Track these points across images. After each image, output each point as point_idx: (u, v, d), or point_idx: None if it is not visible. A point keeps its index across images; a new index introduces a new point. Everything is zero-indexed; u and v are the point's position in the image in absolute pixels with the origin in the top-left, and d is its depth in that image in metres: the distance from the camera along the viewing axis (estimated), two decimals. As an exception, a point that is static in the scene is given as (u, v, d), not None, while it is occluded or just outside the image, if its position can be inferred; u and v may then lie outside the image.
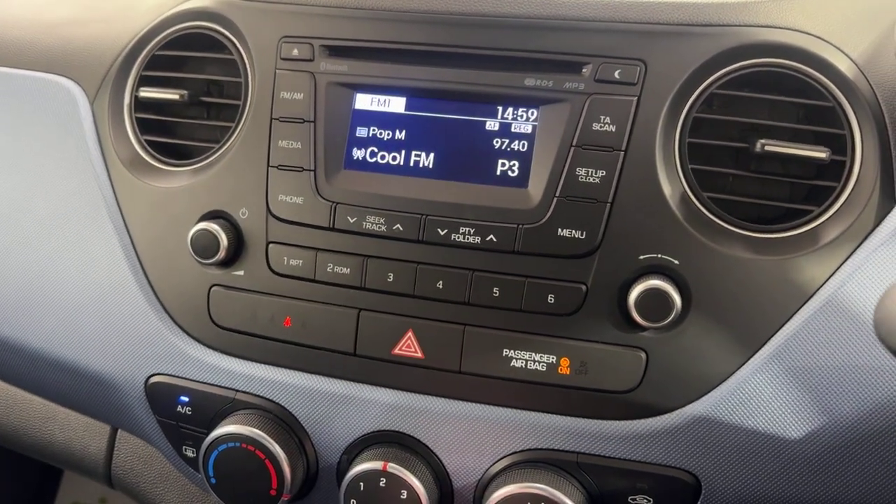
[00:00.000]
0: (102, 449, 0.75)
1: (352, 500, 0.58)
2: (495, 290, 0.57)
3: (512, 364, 0.57)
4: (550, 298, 0.56)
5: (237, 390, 0.62)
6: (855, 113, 0.54)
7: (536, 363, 0.56)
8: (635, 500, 0.56)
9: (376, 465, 0.57)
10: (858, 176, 0.54)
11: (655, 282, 0.53)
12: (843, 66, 0.54)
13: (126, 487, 0.76)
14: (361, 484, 0.57)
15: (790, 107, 0.56)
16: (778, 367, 0.54)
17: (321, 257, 0.60)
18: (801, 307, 0.54)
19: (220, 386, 0.62)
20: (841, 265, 0.53)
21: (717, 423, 0.54)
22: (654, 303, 0.53)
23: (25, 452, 0.78)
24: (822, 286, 0.53)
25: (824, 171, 0.55)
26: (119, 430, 0.75)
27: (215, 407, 0.62)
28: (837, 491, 0.54)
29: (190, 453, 0.65)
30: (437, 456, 0.59)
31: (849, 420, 0.53)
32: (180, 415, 0.64)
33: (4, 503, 1.51)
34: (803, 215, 0.55)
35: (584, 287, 0.55)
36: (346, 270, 0.59)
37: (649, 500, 0.55)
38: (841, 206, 0.54)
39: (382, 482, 0.57)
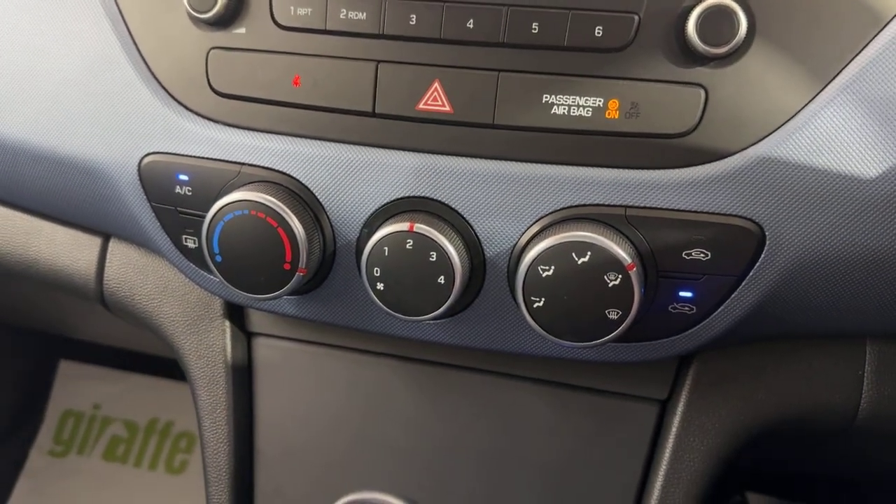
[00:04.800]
0: (93, 262, 0.71)
1: (375, 269, 0.53)
2: (534, 25, 0.51)
3: (553, 111, 0.51)
4: (598, 31, 0.50)
5: (243, 164, 0.57)
6: None
7: (581, 108, 0.51)
8: (690, 254, 0.51)
9: (402, 226, 0.52)
10: None
11: None
12: None
13: (119, 304, 0.71)
14: (386, 248, 0.52)
15: None
16: (852, 99, 0.49)
17: (332, 3, 0.54)
18: (877, 33, 0.49)
19: (222, 160, 0.57)
20: None
21: (783, 164, 0.49)
22: (718, 21, 0.48)
23: (9, 272, 0.73)
24: None
25: None
26: (111, 241, 0.71)
27: (218, 182, 0.57)
28: None
29: (191, 243, 0.60)
30: (467, 221, 0.54)
31: None
32: (179, 197, 0.58)
33: None
34: None
35: (636, 17, 0.50)
36: (361, 16, 0.53)
37: (706, 254, 0.51)
38: None
39: (409, 244, 0.52)
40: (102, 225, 0.69)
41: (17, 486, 1.52)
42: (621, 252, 0.49)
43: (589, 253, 0.49)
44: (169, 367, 1.58)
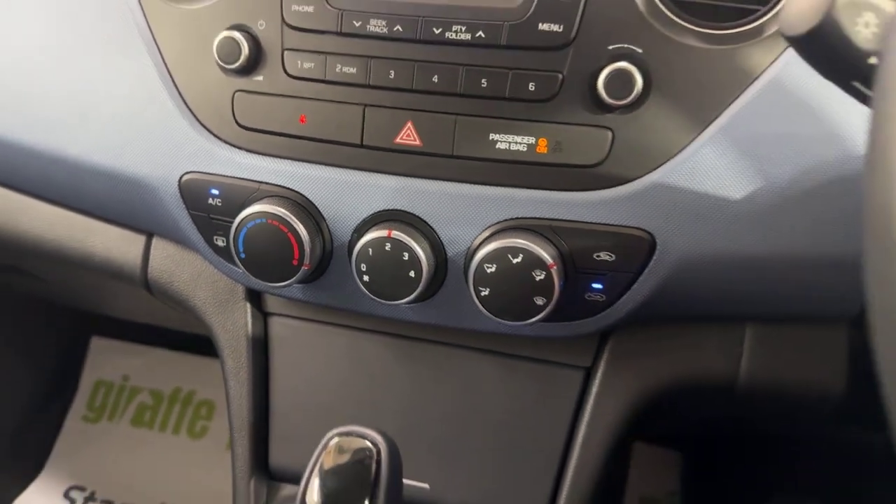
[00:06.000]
0: (139, 255, 0.85)
1: (362, 265, 0.68)
2: (483, 81, 0.65)
3: (497, 146, 0.65)
4: (531, 86, 0.64)
5: (261, 182, 0.71)
6: None
7: (518, 144, 0.65)
8: (599, 256, 0.65)
9: (382, 232, 0.67)
10: None
11: (621, 64, 0.62)
12: None
13: (161, 289, 0.86)
14: (370, 249, 0.67)
15: None
16: (724, 139, 0.62)
17: (330, 60, 0.68)
18: (747, 88, 0.62)
19: (245, 179, 0.72)
20: (783, 52, 0.62)
21: (671, 188, 0.63)
22: (619, 81, 0.61)
23: (71, 262, 0.88)
24: (765, 70, 0.62)
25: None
26: (154, 238, 0.85)
27: (242, 196, 0.71)
28: (774, 243, 0.64)
29: (220, 243, 0.74)
30: (433, 229, 0.68)
31: (784, 181, 0.62)
32: (211, 206, 0.73)
33: (26, 389, 1.63)
34: (752, 13, 0.63)
35: (560, 75, 0.64)
36: (352, 70, 0.67)
37: (612, 256, 0.65)
38: (783, 4, 0.62)
39: (388, 247, 0.67)
40: (148, 226, 0.83)
41: (55, 448, 1.65)
42: (545, 254, 0.63)
43: (521, 255, 0.63)
44: (192, 342, 1.70)
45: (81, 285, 1.27)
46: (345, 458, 0.55)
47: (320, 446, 0.55)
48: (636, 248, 0.65)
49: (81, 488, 1.59)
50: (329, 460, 0.55)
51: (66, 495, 1.59)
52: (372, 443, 0.55)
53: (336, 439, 0.56)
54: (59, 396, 1.69)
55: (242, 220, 0.69)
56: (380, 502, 0.53)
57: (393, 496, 0.54)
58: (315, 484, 0.55)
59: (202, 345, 0.88)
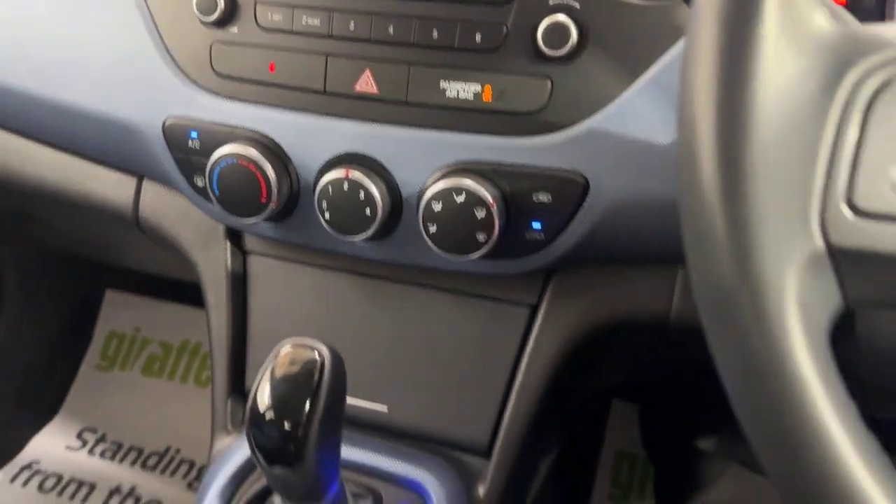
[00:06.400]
0: (131, 196, 0.91)
1: (323, 202, 0.74)
2: (434, 32, 0.70)
3: (447, 94, 0.71)
4: (478, 37, 0.69)
5: (234, 126, 0.77)
6: None
7: (465, 92, 0.70)
8: (538, 197, 0.70)
9: (341, 173, 0.73)
10: None
11: (558, 17, 0.67)
12: None
13: (151, 228, 0.92)
14: (330, 188, 0.73)
15: None
16: (654, 89, 0.67)
17: (297, 12, 0.74)
18: (677, 42, 0.66)
19: (221, 123, 0.78)
20: None
21: (604, 134, 0.68)
22: (556, 34, 0.66)
23: (71, 204, 0.95)
24: None
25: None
26: (144, 181, 0.91)
27: (217, 139, 0.77)
28: None
29: (199, 183, 0.81)
30: (389, 171, 0.74)
31: None
32: (191, 149, 0.79)
33: (44, 338, 1.72)
34: None
35: (505, 28, 0.69)
36: (316, 22, 0.73)
37: (549, 197, 0.70)
38: None
39: (345, 187, 0.73)
40: (138, 168, 0.89)
41: (70, 394, 1.74)
42: (486, 194, 0.68)
43: (464, 194, 0.69)
44: (200, 296, 1.78)
45: (92, 234, 1.34)
46: (294, 368, 0.62)
47: (271, 355, 0.62)
48: (571, 191, 0.70)
49: (93, 430, 1.69)
50: (280, 370, 0.62)
51: (79, 436, 1.68)
52: (318, 353, 0.61)
53: (287, 349, 0.62)
54: (75, 346, 1.78)
55: (216, 160, 0.75)
56: (320, 402, 0.59)
57: (333, 399, 0.60)
58: (266, 389, 0.61)
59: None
